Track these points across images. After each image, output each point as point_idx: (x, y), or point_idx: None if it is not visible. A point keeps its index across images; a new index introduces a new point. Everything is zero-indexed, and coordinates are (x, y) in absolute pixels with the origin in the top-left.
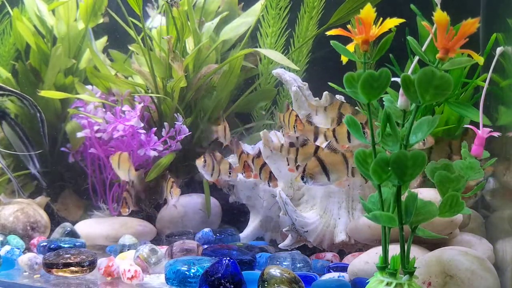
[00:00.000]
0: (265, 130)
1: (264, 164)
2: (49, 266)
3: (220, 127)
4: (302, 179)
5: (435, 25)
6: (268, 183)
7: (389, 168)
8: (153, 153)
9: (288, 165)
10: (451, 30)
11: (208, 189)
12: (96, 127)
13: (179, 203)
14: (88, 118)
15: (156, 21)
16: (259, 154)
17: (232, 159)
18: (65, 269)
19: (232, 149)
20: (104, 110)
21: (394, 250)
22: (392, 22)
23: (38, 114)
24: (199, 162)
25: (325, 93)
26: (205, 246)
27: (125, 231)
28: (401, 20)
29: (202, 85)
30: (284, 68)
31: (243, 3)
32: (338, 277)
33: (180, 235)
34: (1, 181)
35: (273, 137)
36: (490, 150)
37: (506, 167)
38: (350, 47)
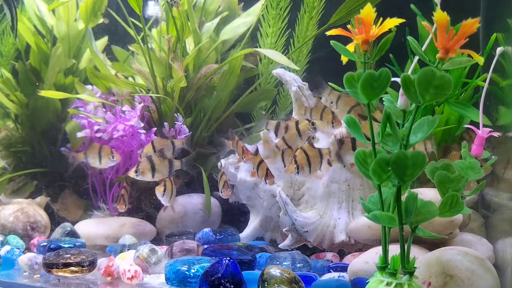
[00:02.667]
0: (265, 130)
1: (261, 161)
2: (49, 266)
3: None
4: (297, 168)
5: (435, 25)
6: (265, 180)
7: (389, 168)
8: None
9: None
10: (451, 30)
11: (208, 189)
12: (96, 127)
13: (179, 203)
14: (88, 118)
15: None
16: (256, 152)
17: (233, 159)
18: (65, 269)
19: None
20: (104, 110)
21: (394, 250)
22: (392, 22)
23: None
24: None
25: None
26: (205, 246)
27: (125, 231)
28: (401, 20)
29: (202, 85)
30: (284, 68)
31: (243, 3)
32: (338, 277)
33: (180, 235)
34: (1, 181)
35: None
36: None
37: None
38: (350, 47)
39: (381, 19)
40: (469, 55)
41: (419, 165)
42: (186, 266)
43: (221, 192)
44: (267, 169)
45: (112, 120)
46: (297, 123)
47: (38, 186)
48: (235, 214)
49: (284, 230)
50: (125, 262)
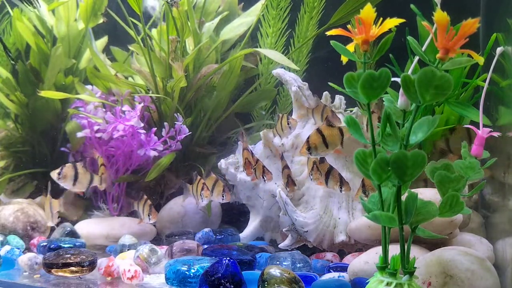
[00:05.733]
0: (265, 130)
1: (256, 161)
2: (49, 266)
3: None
4: (308, 150)
5: (435, 25)
6: (263, 178)
7: (389, 168)
8: (153, 153)
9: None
10: (451, 30)
11: None
12: (96, 127)
13: (179, 203)
14: (88, 118)
15: None
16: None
17: (232, 159)
18: (65, 269)
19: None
20: (104, 110)
21: (394, 250)
22: (392, 22)
23: None
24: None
25: (325, 93)
26: (205, 246)
27: (125, 231)
28: (401, 20)
29: (202, 85)
30: (284, 68)
31: (243, 3)
32: (338, 277)
33: (180, 235)
34: (1, 181)
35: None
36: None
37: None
38: (350, 47)
39: (381, 19)
40: (469, 55)
41: (419, 165)
42: (186, 266)
43: (222, 197)
44: (263, 166)
45: (112, 120)
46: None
47: (38, 186)
48: (235, 214)
49: (284, 230)
50: (125, 262)
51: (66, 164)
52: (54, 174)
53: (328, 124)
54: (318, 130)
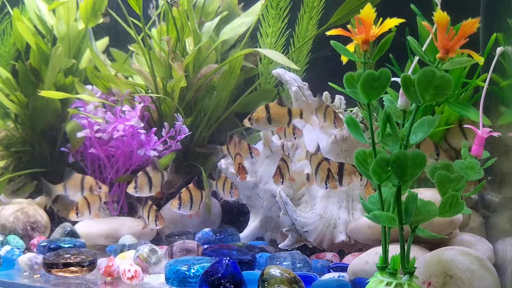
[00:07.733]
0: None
1: (237, 154)
2: (49, 266)
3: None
4: (249, 120)
5: (435, 25)
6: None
7: (389, 168)
8: (153, 153)
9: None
10: (451, 30)
11: (208, 189)
12: (96, 127)
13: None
14: (88, 118)
15: None
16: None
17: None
18: (65, 269)
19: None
20: (104, 110)
21: (394, 250)
22: (392, 22)
23: None
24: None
25: (325, 93)
26: (205, 246)
27: (125, 231)
28: (401, 20)
29: (202, 85)
30: (284, 68)
31: (243, 3)
32: (338, 277)
33: (180, 235)
34: (1, 181)
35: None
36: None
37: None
38: (350, 47)
39: (381, 19)
40: (469, 55)
41: (419, 165)
42: (186, 266)
43: (231, 194)
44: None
45: (112, 120)
46: None
47: (38, 186)
48: (235, 214)
49: (284, 230)
50: (125, 262)
51: (138, 174)
52: (130, 189)
53: (279, 103)
54: (266, 106)
